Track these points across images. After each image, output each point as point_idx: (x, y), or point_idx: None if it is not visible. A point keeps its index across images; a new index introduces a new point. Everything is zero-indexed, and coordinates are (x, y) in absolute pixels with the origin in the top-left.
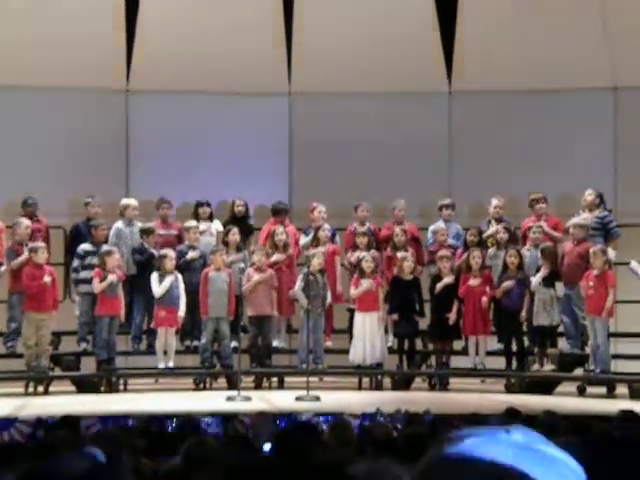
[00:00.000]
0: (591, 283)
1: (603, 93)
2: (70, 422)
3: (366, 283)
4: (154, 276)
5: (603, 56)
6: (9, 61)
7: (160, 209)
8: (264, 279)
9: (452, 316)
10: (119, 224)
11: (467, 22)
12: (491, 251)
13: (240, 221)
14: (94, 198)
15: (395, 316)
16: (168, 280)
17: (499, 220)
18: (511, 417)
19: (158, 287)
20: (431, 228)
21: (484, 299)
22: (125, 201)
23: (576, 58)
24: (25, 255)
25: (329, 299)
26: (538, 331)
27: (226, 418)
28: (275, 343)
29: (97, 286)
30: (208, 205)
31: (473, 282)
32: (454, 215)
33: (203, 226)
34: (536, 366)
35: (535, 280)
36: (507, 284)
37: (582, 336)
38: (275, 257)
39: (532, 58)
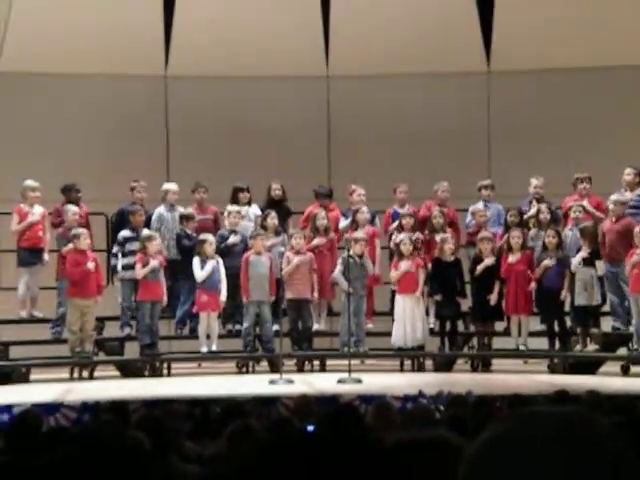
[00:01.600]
0: (635, 262)
1: None
2: (118, 407)
3: (405, 265)
4: (196, 261)
5: None
6: (52, 49)
7: (197, 193)
8: (303, 262)
9: (494, 297)
10: (161, 209)
11: (505, 1)
12: (532, 232)
13: (277, 205)
14: (139, 182)
15: (438, 297)
16: (210, 265)
17: (539, 200)
18: (560, 400)
19: (200, 272)
20: (471, 209)
21: (532, 285)
22: (166, 186)
23: (614, 36)
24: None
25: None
26: (581, 311)
27: (269, 401)
28: (316, 326)
29: (139, 271)
30: (247, 190)
31: (512, 259)
32: (494, 196)
33: (242, 211)
34: (579, 346)
35: (575, 260)
36: (546, 262)
37: (629, 315)
38: (316, 241)
39: (571, 36)
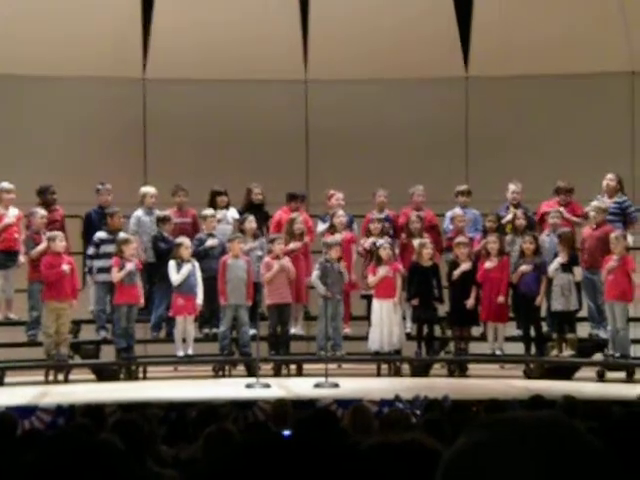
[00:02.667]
0: (610, 268)
1: (621, 77)
2: (93, 410)
3: (383, 270)
4: (171, 264)
5: (621, 41)
6: (28, 52)
7: (176, 196)
8: (287, 268)
9: (470, 302)
10: (139, 212)
11: (484, 7)
12: (509, 237)
13: (257, 209)
14: (105, 185)
15: (415, 301)
16: (186, 268)
17: (517, 205)
18: (536, 405)
19: (176, 275)
20: (448, 214)
21: (500, 298)
22: (144, 189)
23: (594, 43)
24: (44, 244)
25: (346, 277)
26: (556, 316)
27: (246, 405)
28: (292, 330)
29: (116, 275)
30: (225, 194)
31: (489, 264)
32: (470, 201)
33: (219, 214)
34: (555, 351)
35: (553, 266)
36: (523, 268)
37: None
38: (292, 245)
39: (549, 43)
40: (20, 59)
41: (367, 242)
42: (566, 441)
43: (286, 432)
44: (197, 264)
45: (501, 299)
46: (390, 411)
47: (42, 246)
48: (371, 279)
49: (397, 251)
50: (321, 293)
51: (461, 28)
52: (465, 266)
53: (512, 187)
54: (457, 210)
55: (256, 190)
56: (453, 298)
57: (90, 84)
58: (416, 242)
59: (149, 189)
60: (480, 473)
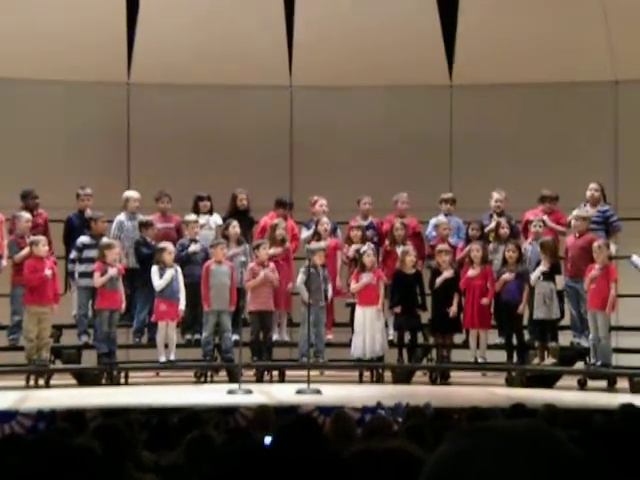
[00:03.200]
0: (593, 277)
1: (604, 87)
2: (74, 415)
3: (366, 277)
4: (154, 269)
5: (604, 50)
6: (11, 53)
7: (160, 202)
8: (270, 277)
9: (453, 309)
10: (121, 217)
11: (468, 15)
12: (492, 246)
13: (242, 214)
14: (85, 190)
15: (398, 309)
16: (169, 273)
17: (500, 214)
18: (517, 414)
19: (158, 280)
20: (432, 222)
21: (484, 300)
22: (127, 194)
23: (577, 52)
24: (27, 249)
25: (330, 293)
26: (538, 325)
27: (227, 411)
28: (275, 336)
29: (98, 280)
30: (208, 199)
31: (472, 272)
32: (454, 209)
33: (202, 220)
34: (537, 360)
35: (534, 275)
36: (505, 276)
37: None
38: (272, 250)
39: (534, 51)
40: (2, 62)
41: (350, 250)
42: (547, 450)
43: (267, 439)
44: (179, 269)
45: (485, 301)
46: (373, 418)
47: (26, 251)
48: (354, 286)
49: (380, 258)
50: (304, 299)
51: (445, 37)
52: (447, 274)
53: (496, 195)
54: (441, 218)
55: (241, 196)
56: (435, 306)
57: (74, 88)
58: (399, 250)
59: (132, 193)
60: None
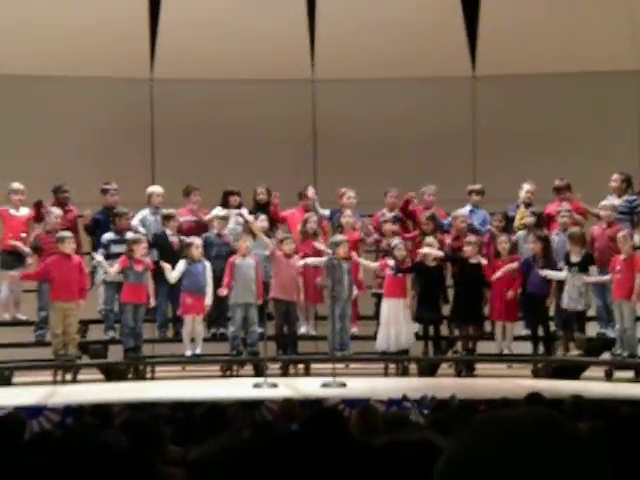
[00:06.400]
0: (618, 267)
1: (629, 76)
2: (101, 410)
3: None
4: (181, 263)
5: (628, 39)
6: (36, 51)
7: (193, 195)
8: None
9: (510, 294)
10: (145, 212)
11: (490, 5)
12: (520, 234)
13: (263, 208)
14: (112, 185)
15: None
16: (181, 265)
17: (528, 205)
18: (533, 402)
19: (170, 274)
20: (452, 214)
21: (509, 293)
22: (150, 189)
23: (601, 41)
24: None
25: (355, 289)
26: (565, 315)
27: (253, 405)
28: (303, 330)
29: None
30: (238, 194)
31: (509, 267)
32: (483, 200)
33: (228, 213)
34: (560, 351)
35: (564, 272)
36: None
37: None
38: (317, 244)
39: (557, 41)
40: (28, 60)
41: (392, 242)
42: (554, 437)
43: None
44: (208, 264)
45: (510, 294)
46: (397, 411)
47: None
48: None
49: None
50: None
51: (468, 28)
52: (484, 261)
53: (527, 187)
54: (462, 210)
55: (259, 190)
56: (458, 297)
57: (97, 85)
58: (425, 241)
59: (156, 188)
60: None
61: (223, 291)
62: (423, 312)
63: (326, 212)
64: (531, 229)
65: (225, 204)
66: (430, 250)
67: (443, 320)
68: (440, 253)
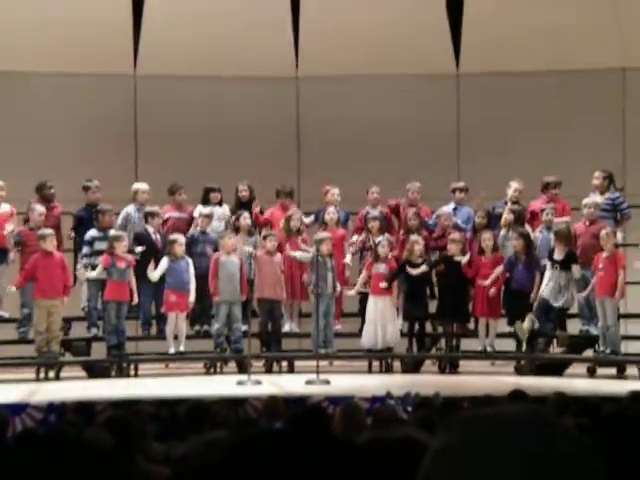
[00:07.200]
0: (601, 265)
1: (611, 74)
2: (84, 407)
3: (380, 267)
4: (164, 261)
5: (611, 37)
6: (18, 47)
7: (177, 194)
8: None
9: (492, 291)
10: (129, 208)
11: (474, 3)
12: (502, 233)
13: (245, 206)
14: (93, 182)
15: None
16: (164, 263)
17: (515, 203)
18: (516, 399)
19: (152, 272)
20: (437, 212)
21: (491, 291)
22: (136, 186)
23: (585, 39)
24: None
25: (338, 286)
26: (545, 312)
27: (237, 402)
28: (287, 327)
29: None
30: (219, 191)
31: (483, 261)
32: (467, 198)
33: (210, 211)
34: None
35: (549, 263)
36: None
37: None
38: (322, 234)
39: (540, 39)
40: (10, 56)
41: (377, 239)
42: (543, 434)
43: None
44: (190, 261)
45: (492, 291)
46: (378, 407)
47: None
48: (363, 275)
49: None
50: (311, 289)
51: (452, 24)
52: (465, 259)
53: (515, 185)
54: (445, 208)
55: (241, 187)
56: (443, 294)
57: (81, 81)
58: (411, 238)
59: (141, 185)
60: (462, 472)
61: (214, 292)
62: (411, 309)
63: (310, 219)
64: (512, 226)
65: (206, 201)
66: (416, 271)
67: (430, 317)
68: (425, 268)
